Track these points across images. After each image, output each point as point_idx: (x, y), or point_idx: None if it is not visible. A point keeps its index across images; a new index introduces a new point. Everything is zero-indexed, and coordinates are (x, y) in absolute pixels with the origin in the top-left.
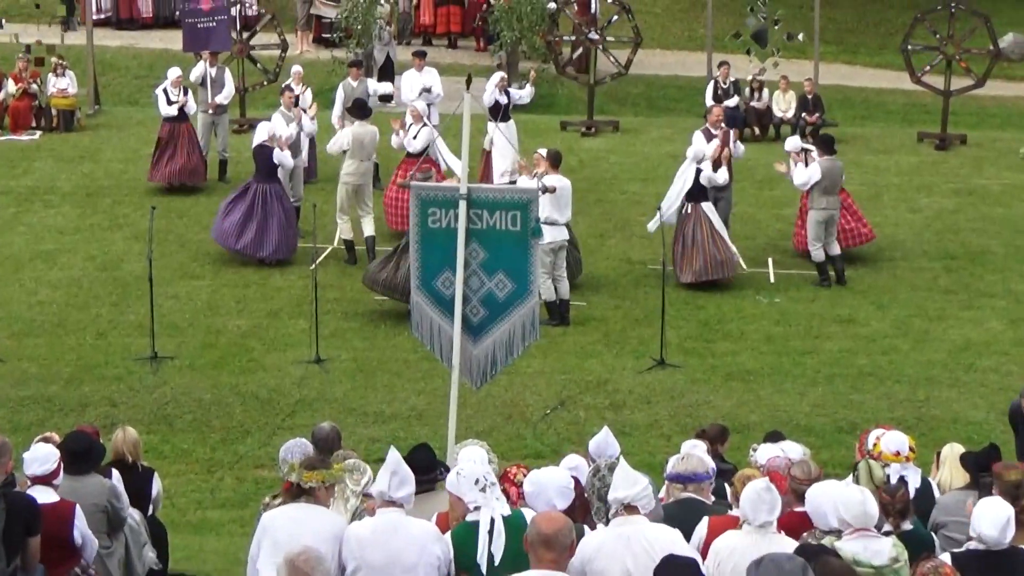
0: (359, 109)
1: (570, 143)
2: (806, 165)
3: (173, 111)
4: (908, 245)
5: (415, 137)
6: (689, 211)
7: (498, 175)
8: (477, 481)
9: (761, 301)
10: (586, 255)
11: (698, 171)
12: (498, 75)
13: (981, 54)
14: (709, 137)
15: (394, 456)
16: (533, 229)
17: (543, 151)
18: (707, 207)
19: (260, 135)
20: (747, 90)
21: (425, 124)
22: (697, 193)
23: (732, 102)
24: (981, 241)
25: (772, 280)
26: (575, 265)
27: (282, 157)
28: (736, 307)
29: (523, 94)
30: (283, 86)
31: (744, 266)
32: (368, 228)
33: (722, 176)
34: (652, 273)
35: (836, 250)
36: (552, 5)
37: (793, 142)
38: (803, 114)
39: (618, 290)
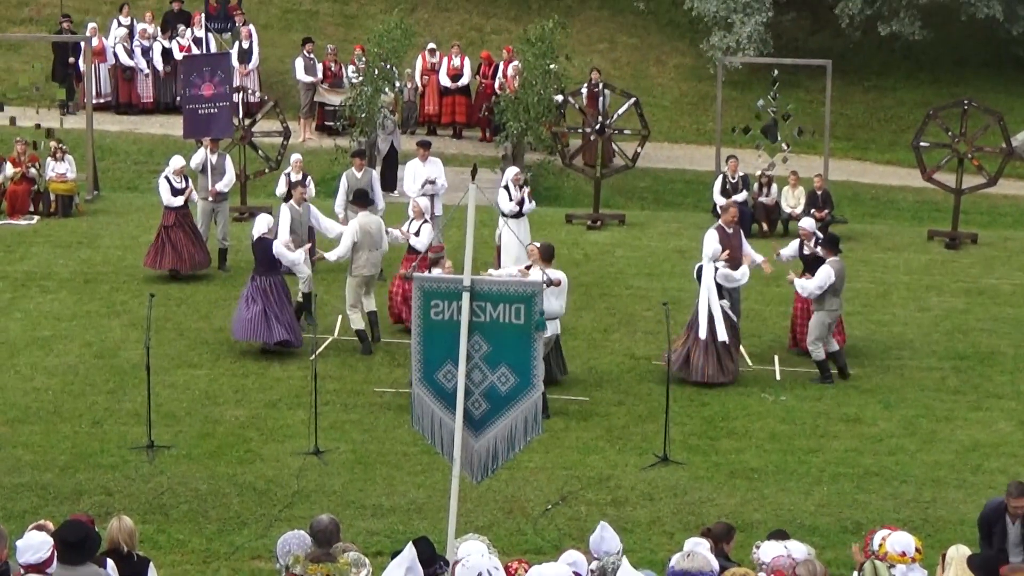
0: (361, 199)
1: (575, 236)
2: (814, 246)
3: (179, 201)
4: (917, 344)
5: (417, 233)
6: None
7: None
8: (480, 574)
9: (766, 399)
10: (590, 350)
11: (714, 269)
12: (512, 170)
13: (994, 152)
14: (723, 235)
15: (411, 552)
16: (537, 322)
17: (536, 244)
18: (725, 306)
19: (259, 227)
20: (756, 185)
21: (426, 220)
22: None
23: (740, 197)
24: (991, 341)
25: (778, 378)
26: (560, 367)
27: (287, 255)
28: (741, 404)
29: (529, 206)
30: (284, 173)
31: (750, 363)
32: (370, 305)
33: (742, 273)
34: (656, 369)
35: (835, 346)
36: (559, 97)
37: (809, 222)
38: (812, 210)
39: (621, 385)
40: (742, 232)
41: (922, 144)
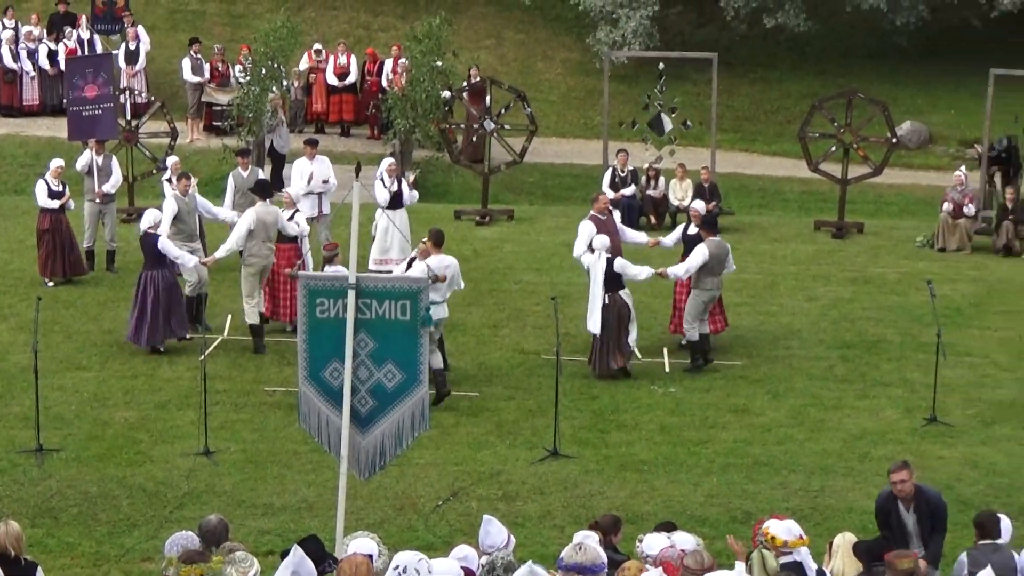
0: (262, 190)
1: (464, 232)
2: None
3: (54, 204)
4: (804, 334)
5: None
6: (607, 301)
7: (373, 262)
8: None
9: (656, 391)
10: (479, 345)
11: (610, 260)
12: (387, 161)
13: (879, 142)
14: (598, 223)
15: (297, 553)
16: (423, 318)
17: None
18: (625, 295)
19: (146, 222)
20: (644, 178)
21: (298, 210)
22: (612, 282)
23: (629, 191)
24: (877, 330)
25: (667, 370)
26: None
27: (172, 250)
28: (630, 397)
29: (411, 196)
30: (164, 179)
31: (639, 355)
32: (252, 317)
33: (643, 273)
34: (546, 363)
35: (706, 329)
36: (446, 93)
37: (700, 204)
38: (699, 202)
39: (511, 380)
40: (615, 218)
41: (808, 135)
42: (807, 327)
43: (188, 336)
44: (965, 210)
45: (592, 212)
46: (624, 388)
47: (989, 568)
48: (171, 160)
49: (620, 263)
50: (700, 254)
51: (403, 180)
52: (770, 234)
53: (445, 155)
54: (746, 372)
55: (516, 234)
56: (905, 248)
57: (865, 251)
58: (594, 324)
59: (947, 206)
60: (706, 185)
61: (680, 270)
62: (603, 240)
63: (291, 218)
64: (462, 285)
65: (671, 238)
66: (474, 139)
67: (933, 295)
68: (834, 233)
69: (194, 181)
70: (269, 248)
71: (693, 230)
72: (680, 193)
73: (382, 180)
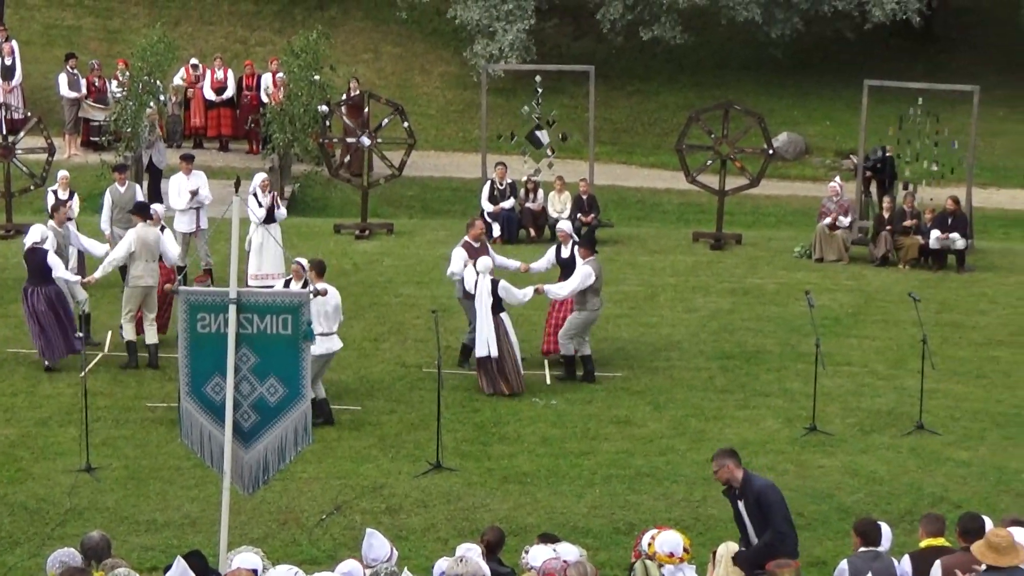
0: (141, 210)
1: (344, 246)
2: (571, 249)
3: None
4: (684, 345)
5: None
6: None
7: (251, 278)
8: None
9: (537, 403)
10: (361, 359)
11: (495, 282)
12: (260, 176)
13: (756, 153)
14: (470, 250)
15: (180, 566)
16: (304, 332)
17: (303, 261)
18: (506, 318)
19: (32, 236)
20: (522, 191)
21: (164, 227)
22: (495, 305)
23: (508, 203)
24: (756, 340)
25: (548, 382)
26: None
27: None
28: (512, 409)
29: (280, 213)
30: (50, 190)
31: (549, 379)
32: (152, 337)
33: (524, 295)
34: (427, 376)
35: (588, 350)
36: (324, 107)
37: (566, 224)
38: (579, 215)
39: (393, 394)
40: (488, 245)
41: (685, 146)
42: (687, 338)
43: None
44: (840, 221)
45: (466, 239)
46: (506, 401)
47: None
48: (61, 174)
49: (504, 287)
50: (582, 275)
51: (275, 195)
52: (649, 246)
53: (324, 169)
54: (627, 384)
55: (396, 248)
56: (783, 259)
57: (743, 262)
58: (483, 346)
59: (827, 220)
60: (584, 197)
61: (562, 291)
62: (486, 263)
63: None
64: (342, 319)
65: (543, 262)
66: (352, 153)
67: (811, 305)
68: (712, 244)
69: (75, 205)
70: (153, 268)
71: (566, 252)
72: (559, 205)
73: (255, 196)
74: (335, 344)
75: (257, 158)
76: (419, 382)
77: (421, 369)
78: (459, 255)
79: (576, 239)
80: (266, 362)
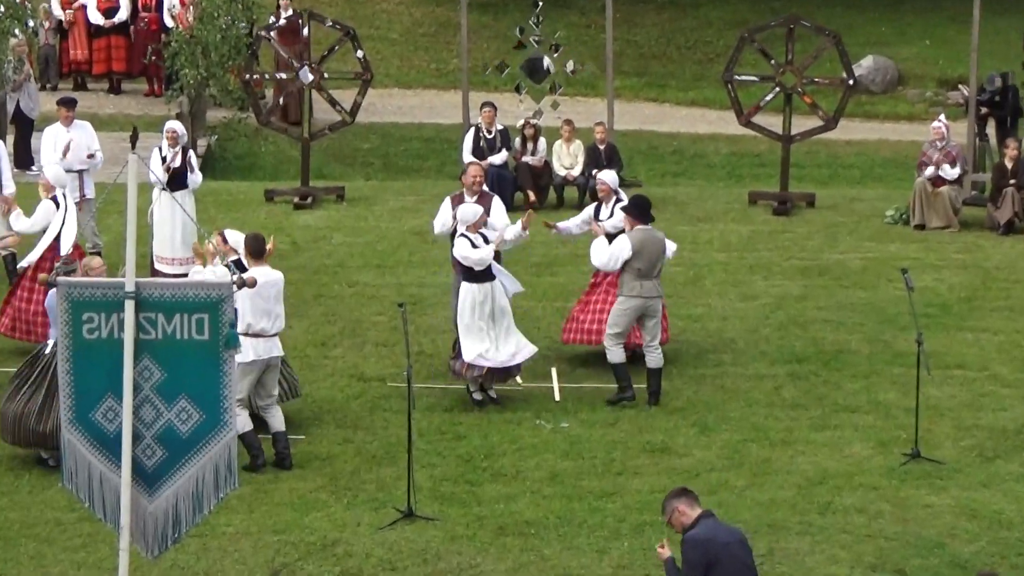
0: None
1: (279, 219)
2: (611, 213)
3: None
4: (740, 345)
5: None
6: (480, 296)
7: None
8: None
9: (543, 427)
10: (304, 371)
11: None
12: (169, 125)
13: (831, 85)
14: (461, 202)
15: None
16: (227, 337)
17: (230, 233)
18: (499, 288)
19: None
20: (518, 141)
21: (54, 198)
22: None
23: (499, 158)
24: (838, 337)
25: (557, 398)
26: (290, 388)
27: None
28: (509, 436)
29: (194, 177)
30: None
31: (520, 379)
32: None
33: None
34: (395, 393)
35: (658, 359)
36: (250, 33)
37: (610, 175)
38: (594, 171)
39: (347, 417)
40: (494, 199)
41: (737, 78)
42: (744, 335)
43: None
44: (947, 173)
45: (461, 190)
46: (500, 424)
47: None
48: None
49: (460, 244)
50: (619, 248)
51: (189, 152)
52: (690, 211)
53: (250, 116)
54: (664, 398)
55: (348, 220)
56: (871, 226)
57: (818, 231)
58: (470, 350)
59: (929, 170)
60: (602, 148)
61: (597, 256)
62: (471, 211)
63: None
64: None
65: (575, 222)
66: (288, 94)
67: (910, 288)
68: (776, 208)
69: None
70: None
71: (606, 212)
72: (568, 159)
73: (161, 152)
74: (271, 349)
75: (160, 102)
76: (383, 401)
77: (385, 383)
78: (446, 210)
79: (622, 197)
80: (175, 378)
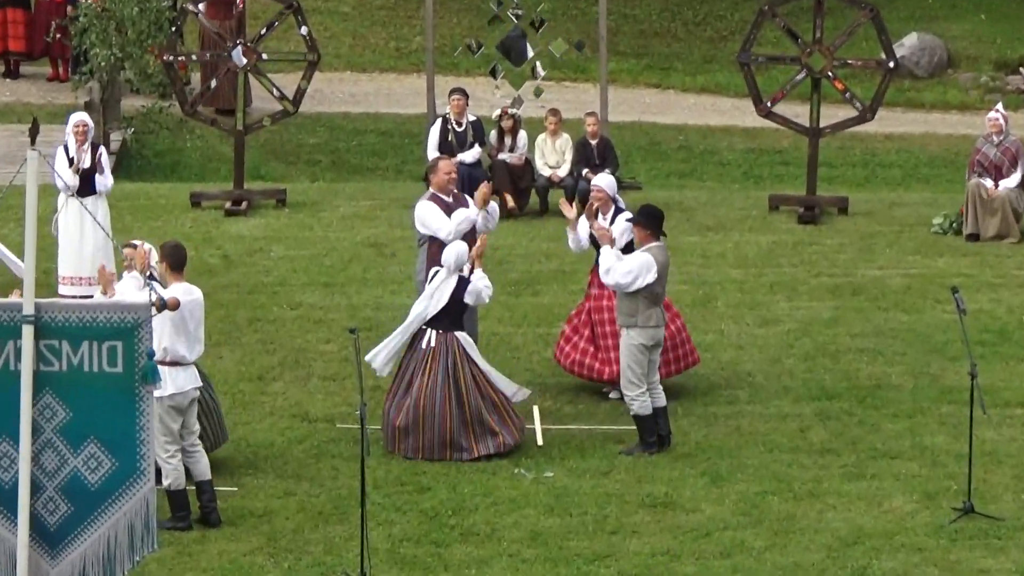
0: None
1: (207, 228)
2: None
3: None
4: (759, 379)
5: None
6: (432, 343)
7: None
8: None
9: (522, 476)
10: (236, 409)
11: (463, 280)
12: (76, 118)
13: (868, 67)
14: (443, 206)
15: None
16: (144, 370)
17: (142, 244)
18: (464, 338)
19: None
20: (493, 134)
21: None
22: (450, 316)
23: (471, 155)
24: (875, 369)
25: (540, 442)
26: (215, 431)
27: None
28: (482, 487)
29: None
30: None
31: (540, 441)
32: None
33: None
34: (346, 436)
35: (661, 399)
36: (173, 6)
37: (607, 180)
38: (584, 171)
39: (290, 466)
40: (467, 199)
41: (755, 58)
42: (763, 367)
43: None
44: (1006, 174)
45: (431, 190)
46: (471, 473)
47: None
48: None
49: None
50: (643, 264)
51: (101, 149)
52: (699, 219)
53: (174, 104)
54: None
55: (291, 229)
56: (915, 236)
57: (852, 243)
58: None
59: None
60: (594, 143)
61: (616, 272)
62: (457, 253)
63: None
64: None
65: (579, 236)
66: (219, 78)
67: (962, 310)
68: (802, 215)
69: None
70: None
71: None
72: (553, 157)
73: (67, 150)
74: (190, 380)
75: (66, 88)
76: (331, 445)
77: (334, 424)
78: (429, 213)
79: (621, 205)
80: (83, 418)
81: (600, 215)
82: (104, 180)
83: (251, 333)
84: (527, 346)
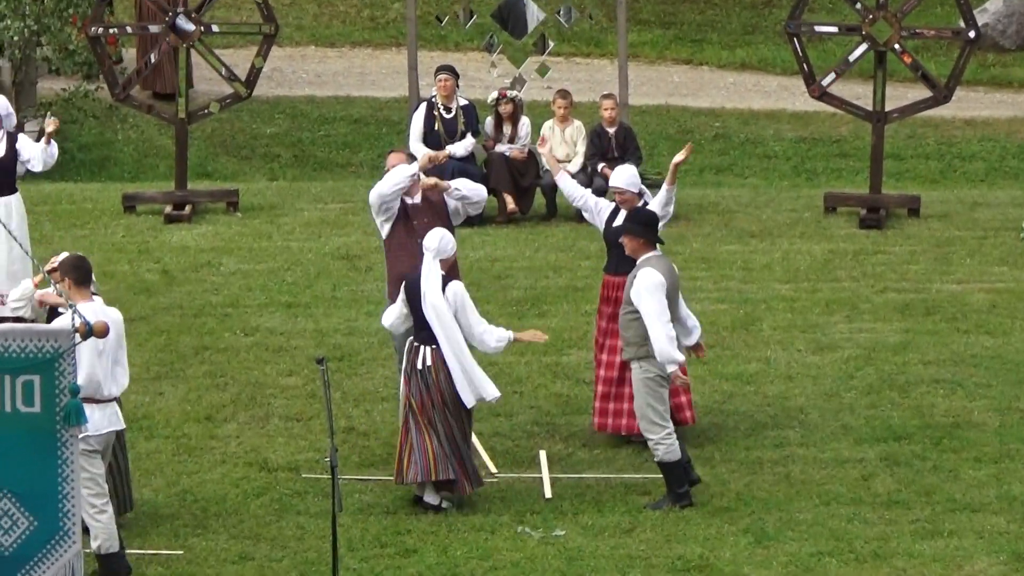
0: None
1: (144, 237)
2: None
3: None
4: (812, 417)
5: None
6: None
7: None
8: None
9: (528, 536)
10: (181, 456)
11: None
12: None
13: (944, 37)
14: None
15: None
16: (67, 409)
17: (59, 257)
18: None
19: None
20: (489, 122)
21: None
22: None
23: (462, 146)
24: (954, 404)
25: (548, 494)
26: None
27: None
28: (479, 549)
29: (35, 156)
30: None
31: (492, 466)
32: None
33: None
34: (313, 489)
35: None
36: None
37: (627, 174)
38: (601, 166)
39: (245, 524)
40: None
41: (805, 29)
42: (817, 403)
43: None
44: None
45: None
46: (465, 531)
47: None
48: None
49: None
50: (652, 283)
51: (20, 137)
52: (739, 224)
53: (102, 87)
54: (703, 493)
55: (245, 238)
56: (1001, 244)
57: (924, 252)
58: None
59: None
60: (612, 131)
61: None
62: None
63: None
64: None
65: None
66: (158, 55)
67: None
68: (863, 218)
69: None
70: None
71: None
72: (563, 148)
73: None
74: (114, 422)
75: None
76: (295, 500)
77: (299, 474)
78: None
79: (648, 200)
80: None
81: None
82: (34, 150)
83: (198, 364)
84: (532, 378)
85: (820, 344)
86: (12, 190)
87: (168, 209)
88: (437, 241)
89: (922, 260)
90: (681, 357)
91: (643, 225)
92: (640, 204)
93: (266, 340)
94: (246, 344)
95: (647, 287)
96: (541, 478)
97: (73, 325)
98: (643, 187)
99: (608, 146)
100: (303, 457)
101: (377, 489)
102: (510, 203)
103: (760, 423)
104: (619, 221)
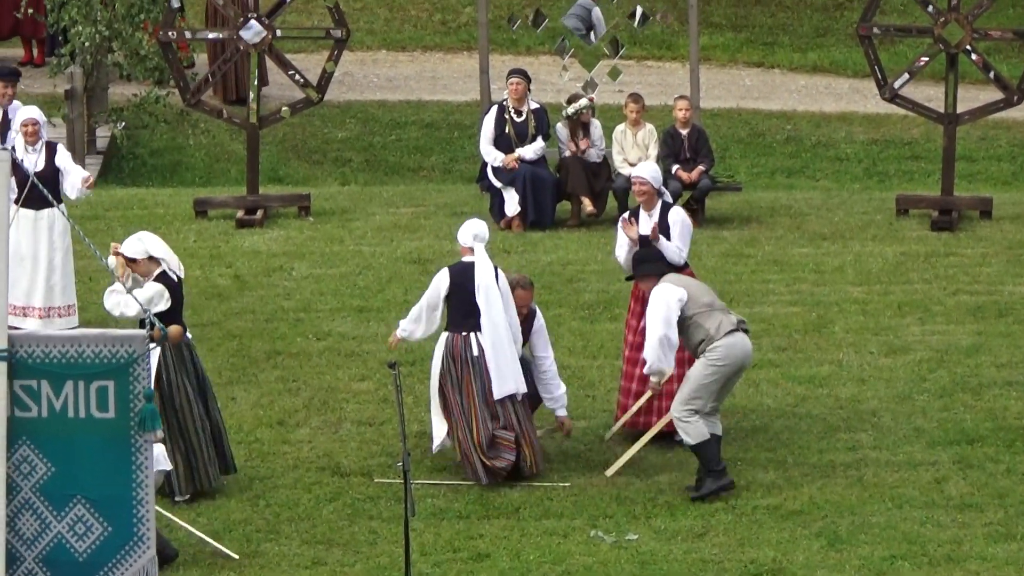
0: None
1: (216, 242)
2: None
3: None
4: (884, 420)
5: None
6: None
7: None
8: None
9: (601, 539)
10: (255, 462)
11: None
12: (29, 114)
13: (1014, 39)
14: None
15: None
16: (142, 414)
17: (137, 241)
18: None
19: None
20: (560, 126)
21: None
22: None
23: (533, 150)
24: None
25: (609, 472)
26: None
27: None
28: (552, 554)
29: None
30: None
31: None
32: None
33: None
34: (385, 493)
35: (718, 426)
36: None
37: (652, 169)
38: (675, 168)
39: (318, 529)
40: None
41: (877, 31)
42: (890, 406)
43: None
44: None
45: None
46: (538, 535)
47: None
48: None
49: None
50: (660, 306)
51: (59, 149)
52: (811, 226)
53: (172, 92)
54: (775, 495)
55: (316, 243)
56: None
57: (998, 253)
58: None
59: None
60: (684, 133)
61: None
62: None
63: None
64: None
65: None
66: (228, 61)
67: None
68: (935, 220)
69: None
70: None
71: (647, 227)
72: (635, 150)
73: (13, 152)
74: None
75: (42, 74)
76: (368, 505)
77: (371, 479)
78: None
79: (668, 200)
80: (68, 474)
81: (643, 212)
82: (74, 179)
83: (270, 369)
84: (604, 382)
85: (892, 347)
86: (52, 203)
87: (240, 214)
88: (486, 229)
89: (994, 262)
90: (669, 370)
91: (654, 263)
92: (659, 204)
93: (338, 345)
94: (318, 349)
95: (661, 300)
96: (614, 480)
97: (148, 331)
98: (663, 188)
99: (681, 147)
100: (375, 462)
101: (449, 493)
102: (588, 205)
103: (832, 426)
104: (642, 225)
